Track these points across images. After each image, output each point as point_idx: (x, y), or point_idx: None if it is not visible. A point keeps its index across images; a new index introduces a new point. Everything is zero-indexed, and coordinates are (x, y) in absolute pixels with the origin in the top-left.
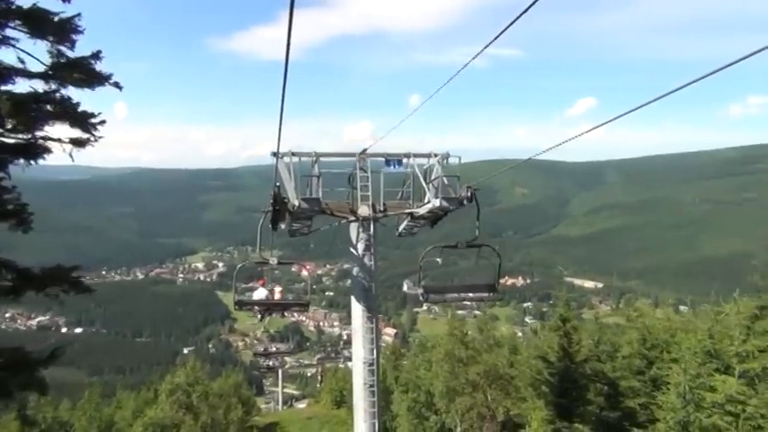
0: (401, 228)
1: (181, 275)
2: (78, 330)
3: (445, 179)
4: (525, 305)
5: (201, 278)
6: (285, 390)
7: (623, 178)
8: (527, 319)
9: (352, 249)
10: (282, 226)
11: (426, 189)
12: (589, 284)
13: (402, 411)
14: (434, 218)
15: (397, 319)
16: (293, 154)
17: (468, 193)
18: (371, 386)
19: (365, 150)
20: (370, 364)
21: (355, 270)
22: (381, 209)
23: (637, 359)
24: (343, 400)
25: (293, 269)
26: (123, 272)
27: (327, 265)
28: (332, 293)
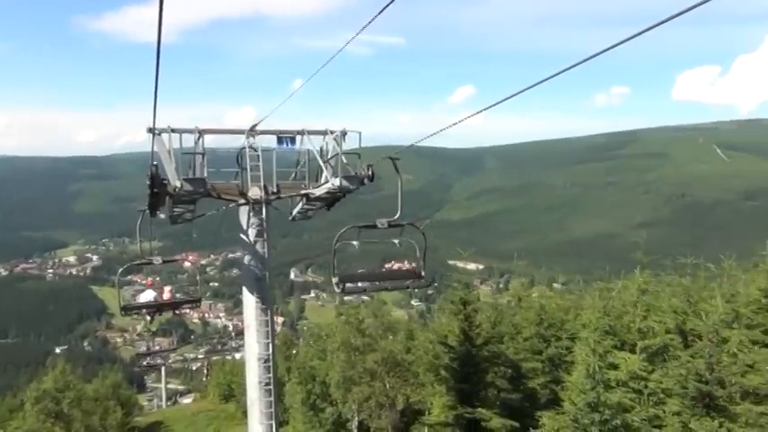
0: (295, 211)
1: (50, 270)
2: None
3: (344, 157)
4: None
5: (74, 273)
6: (169, 385)
7: (501, 164)
8: (413, 302)
9: (242, 236)
10: (162, 216)
11: (323, 168)
12: (471, 266)
13: (296, 404)
14: (332, 199)
15: (285, 307)
16: (173, 130)
17: (369, 172)
18: (267, 384)
19: (255, 126)
20: (266, 361)
21: (246, 258)
22: (274, 190)
23: (535, 339)
24: (231, 394)
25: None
26: None
27: (212, 255)
28: (217, 284)
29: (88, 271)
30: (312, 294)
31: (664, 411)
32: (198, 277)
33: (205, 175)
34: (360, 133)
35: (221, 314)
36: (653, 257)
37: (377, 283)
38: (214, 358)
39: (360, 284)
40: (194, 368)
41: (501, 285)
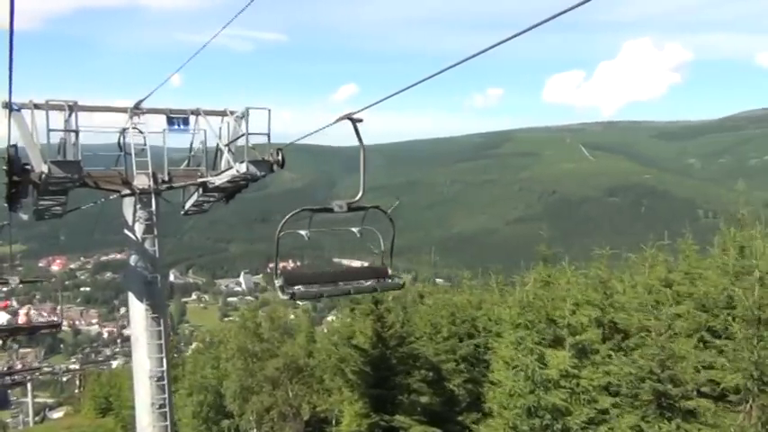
0: (189, 204)
1: None
2: None
3: (250, 140)
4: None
5: None
6: (36, 399)
7: (386, 162)
8: (298, 302)
9: (127, 232)
10: (24, 216)
11: (225, 152)
12: (356, 263)
13: (185, 417)
14: (234, 189)
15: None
16: (36, 106)
17: (279, 156)
18: (162, 407)
19: (140, 104)
20: (159, 379)
21: (133, 258)
22: (165, 179)
23: (455, 339)
24: (109, 407)
25: (40, 264)
26: None
27: (83, 258)
28: (88, 288)
29: None
30: (194, 297)
31: (606, 411)
32: (60, 298)
33: (79, 157)
34: (269, 111)
35: (94, 320)
36: (550, 250)
37: (335, 285)
38: (87, 367)
39: (313, 288)
40: (65, 380)
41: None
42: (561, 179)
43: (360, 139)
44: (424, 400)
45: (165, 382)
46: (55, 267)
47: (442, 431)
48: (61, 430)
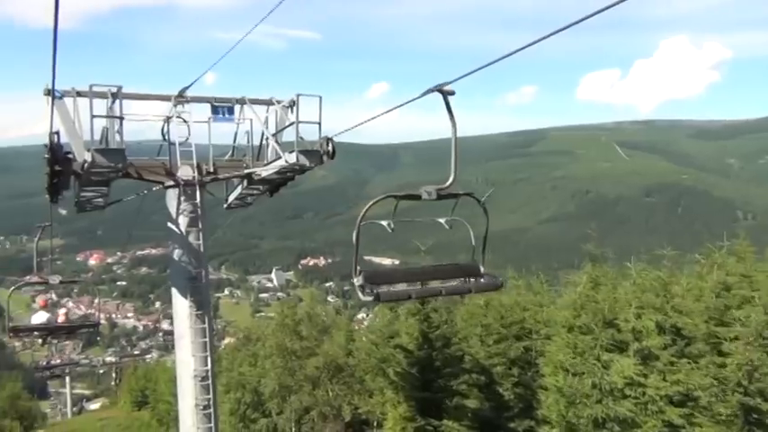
0: (232, 197)
1: None
2: None
3: (300, 130)
4: (327, 284)
5: None
6: (74, 390)
7: (417, 160)
8: (329, 299)
9: (171, 225)
10: (63, 211)
11: (272, 142)
12: (387, 262)
13: (223, 415)
14: (280, 181)
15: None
16: (79, 93)
17: (330, 147)
18: (206, 408)
19: (184, 91)
20: (203, 379)
21: (177, 253)
22: (210, 170)
23: (510, 341)
24: (145, 401)
25: (78, 258)
26: None
27: (119, 253)
28: (124, 282)
29: None
30: (226, 292)
31: (672, 424)
32: (97, 300)
33: (124, 146)
34: (320, 98)
35: (130, 314)
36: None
37: (423, 285)
38: (124, 360)
39: (399, 289)
40: (102, 371)
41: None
42: (596, 179)
43: (451, 115)
44: (472, 404)
45: (210, 382)
46: (92, 261)
47: None
48: (97, 422)
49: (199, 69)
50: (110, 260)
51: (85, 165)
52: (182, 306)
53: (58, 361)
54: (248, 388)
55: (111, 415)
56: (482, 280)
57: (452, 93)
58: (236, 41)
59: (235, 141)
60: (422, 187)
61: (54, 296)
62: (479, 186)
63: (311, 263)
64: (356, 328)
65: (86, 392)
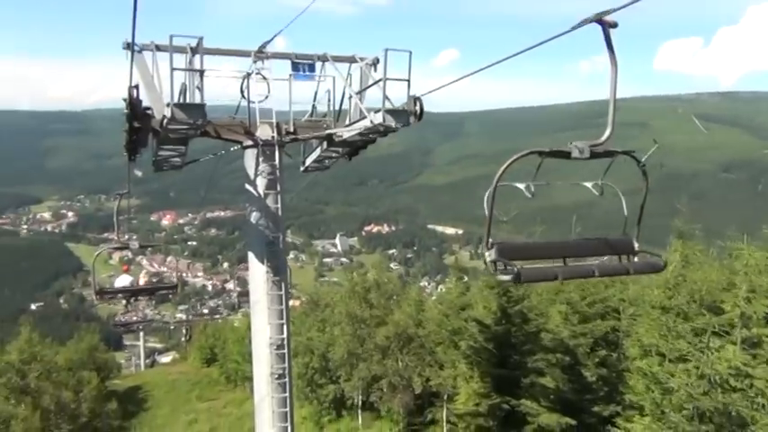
0: (310, 160)
1: (24, 226)
2: None
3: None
4: (390, 252)
5: (49, 229)
6: (147, 344)
7: (483, 129)
8: (392, 265)
9: (248, 187)
10: (139, 173)
11: (357, 101)
12: (450, 231)
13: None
14: (361, 144)
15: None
16: (158, 48)
17: (417, 107)
18: (281, 377)
19: (265, 46)
20: (279, 347)
21: (254, 216)
22: (290, 130)
23: (591, 321)
24: (213, 358)
25: (153, 218)
26: None
27: (190, 214)
28: (195, 243)
29: (63, 227)
30: (291, 256)
31: None
32: (174, 263)
33: (204, 101)
34: (410, 53)
35: (199, 273)
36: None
37: (561, 266)
38: (192, 317)
39: (542, 267)
40: (172, 327)
41: (480, 251)
42: (670, 152)
43: (612, 52)
44: (551, 384)
45: (286, 350)
46: (165, 222)
47: (577, 423)
48: (170, 378)
49: (271, 33)
50: (181, 221)
51: (164, 121)
52: (258, 271)
53: (135, 318)
54: (316, 353)
55: (181, 370)
56: (636, 259)
57: (615, 25)
58: (302, 6)
59: (315, 100)
60: (572, 142)
61: (130, 254)
62: (547, 158)
63: (375, 229)
64: (425, 297)
65: (158, 346)
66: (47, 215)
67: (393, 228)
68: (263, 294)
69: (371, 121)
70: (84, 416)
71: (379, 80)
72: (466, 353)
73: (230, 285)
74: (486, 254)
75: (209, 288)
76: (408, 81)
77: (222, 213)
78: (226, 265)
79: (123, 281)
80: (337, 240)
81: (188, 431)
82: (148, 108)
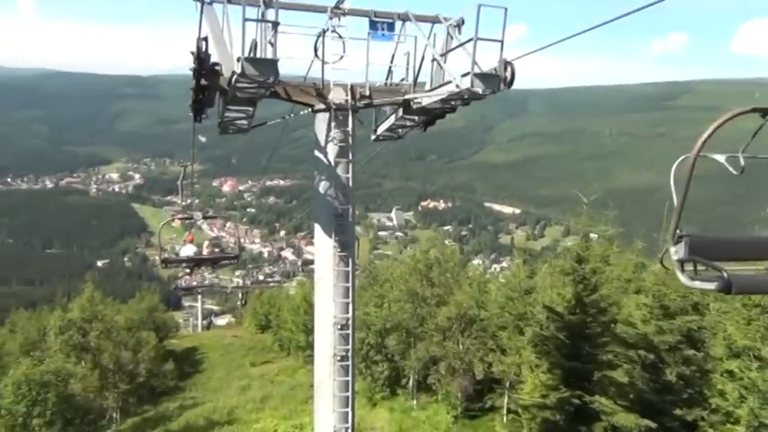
0: (383, 128)
1: (94, 186)
2: None
3: (465, 50)
4: (445, 228)
5: (116, 189)
6: (205, 305)
7: (547, 108)
8: (446, 242)
9: (318, 154)
10: (203, 139)
11: (442, 64)
12: (507, 210)
13: None
14: (440, 112)
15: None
16: (229, 0)
17: (508, 72)
18: (344, 359)
19: (342, 1)
20: (343, 326)
21: (322, 185)
22: (366, 94)
23: (678, 317)
24: (268, 324)
25: (214, 183)
26: (31, 180)
27: (249, 181)
28: (253, 210)
29: (130, 188)
30: None
31: None
32: (237, 236)
33: (277, 57)
34: (506, 10)
35: (257, 240)
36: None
37: None
38: (248, 282)
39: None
40: (229, 290)
41: (536, 231)
42: (745, 138)
43: None
44: (625, 381)
45: (350, 331)
46: (226, 188)
47: (657, 426)
48: (225, 342)
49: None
50: (241, 188)
51: (233, 78)
52: (325, 245)
53: (195, 283)
54: (373, 330)
55: (236, 334)
56: None
57: None
58: None
59: (392, 62)
60: None
61: (194, 213)
62: (611, 140)
63: (431, 205)
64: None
65: (215, 308)
66: (115, 176)
67: (449, 204)
68: (329, 270)
69: (457, 86)
70: (142, 376)
71: (469, 40)
72: (533, 340)
73: (286, 253)
74: (673, 250)
75: (266, 255)
76: (502, 42)
77: (281, 182)
78: (283, 233)
79: (188, 250)
80: (393, 214)
81: (241, 397)
82: (217, 64)
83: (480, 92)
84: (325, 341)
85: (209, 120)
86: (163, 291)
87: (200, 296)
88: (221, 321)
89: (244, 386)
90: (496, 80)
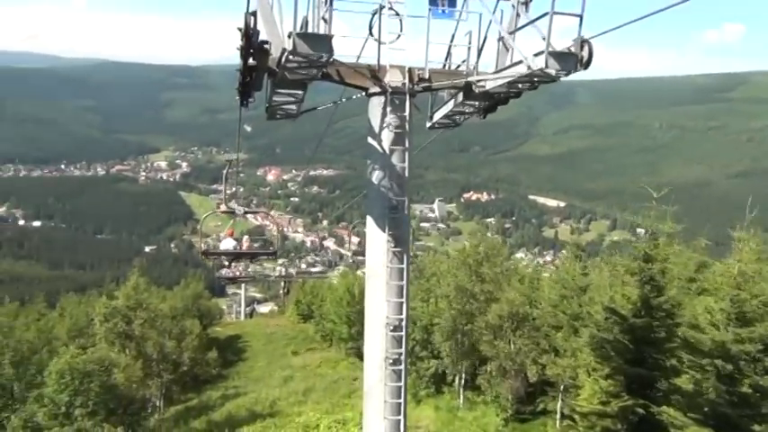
0: (440, 114)
1: (143, 173)
2: (36, 224)
3: (541, 29)
4: (488, 220)
5: (164, 177)
6: (248, 293)
7: (595, 99)
8: (489, 234)
9: (371, 141)
10: (248, 128)
11: (511, 42)
12: (552, 203)
13: None
14: (503, 98)
15: (362, 227)
16: None
17: (585, 51)
18: (396, 362)
19: None
20: (396, 328)
21: (376, 175)
22: (425, 76)
23: (760, 323)
24: (310, 314)
25: (258, 172)
26: (83, 167)
27: (294, 171)
28: (297, 199)
29: (177, 176)
30: None
31: None
32: (278, 233)
33: (332, 33)
34: None
35: (299, 229)
36: None
37: None
38: (291, 271)
39: None
40: (272, 278)
41: (581, 225)
42: None
43: None
44: (701, 393)
45: (404, 333)
46: (270, 177)
47: None
48: (267, 331)
49: None
50: (285, 177)
51: (284, 56)
52: (377, 239)
53: (238, 273)
54: (419, 324)
55: (278, 323)
56: None
57: None
58: None
59: (452, 42)
60: None
61: (236, 206)
62: (661, 133)
63: (473, 197)
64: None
65: (258, 296)
66: (163, 164)
67: (492, 196)
68: (382, 267)
69: (529, 67)
70: (186, 364)
71: (544, 15)
72: (591, 343)
73: (327, 243)
74: None
75: (308, 244)
76: (581, 17)
77: (324, 172)
78: (325, 222)
79: (227, 244)
80: (435, 206)
81: (283, 388)
82: (266, 42)
83: (554, 73)
84: (377, 343)
85: (254, 110)
86: (207, 278)
87: (243, 285)
88: (264, 309)
89: (286, 377)
90: (573, 60)
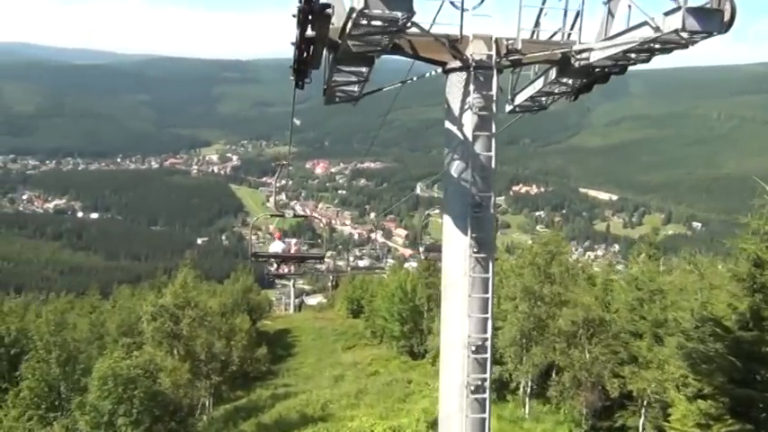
0: (525, 94)
1: (195, 167)
2: (94, 216)
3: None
4: (537, 214)
5: (215, 170)
6: (297, 284)
7: (648, 90)
8: (538, 228)
9: (450, 126)
10: (297, 122)
11: (610, 11)
12: (603, 196)
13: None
14: (604, 74)
15: (409, 221)
16: None
17: (728, 8)
18: (478, 389)
19: None
20: (478, 349)
21: (456, 166)
22: (517, 47)
23: None
24: (360, 310)
25: (307, 165)
26: (138, 160)
27: (341, 164)
28: (344, 192)
29: (228, 170)
30: (436, 211)
31: None
32: (325, 236)
33: None
34: None
35: (347, 222)
36: None
37: None
38: (339, 264)
39: None
40: (323, 272)
41: (634, 219)
42: None
43: None
44: None
45: (488, 355)
46: (318, 170)
47: None
48: (317, 325)
49: None
50: (333, 170)
51: (353, 15)
52: (457, 242)
53: (286, 270)
54: None
55: (328, 317)
56: None
57: None
58: None
59: (543, 5)
60: None
61: (284, 198)
62: (719, 123)
63: (523, 190)
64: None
65: (306, 288)
66: (214, 157)
67: (542, 189)
68: (462, 276)
69: (657, 28)
70: (235, 364)
71: None
72: (681, 355)
73: (375, 236)
74: None
75: (356, 237)
76: None
77: (372, 165)
78: (372, 215)
79: (276, 247)
80: None
81: (334, 389)
82: (328, 5)
83: (697, 35)
84: (455, 365)
85: (303, 103)
86: (257, 270)
87: (292, 278)
88: (312, 301)
89: (337, 376)
90: (718, 18)
